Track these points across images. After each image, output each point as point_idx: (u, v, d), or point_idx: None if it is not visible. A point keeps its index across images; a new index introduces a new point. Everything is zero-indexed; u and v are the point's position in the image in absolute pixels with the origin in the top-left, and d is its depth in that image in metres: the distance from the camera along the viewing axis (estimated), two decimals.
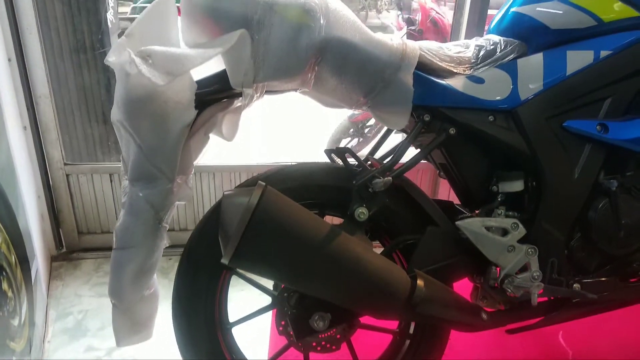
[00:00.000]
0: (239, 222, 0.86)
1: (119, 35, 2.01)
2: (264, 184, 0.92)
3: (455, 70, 1.04)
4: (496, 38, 1.10)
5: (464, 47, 1.09)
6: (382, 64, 0.97)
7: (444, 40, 3.53)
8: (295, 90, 1.09)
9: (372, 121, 3.84)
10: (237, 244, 0.86)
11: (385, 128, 1.23)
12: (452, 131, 1.03)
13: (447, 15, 3.48)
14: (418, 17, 3.36)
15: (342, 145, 3.89)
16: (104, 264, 1.93)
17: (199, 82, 0.97)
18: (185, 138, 1.00)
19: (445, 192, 2.20)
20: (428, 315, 0.96)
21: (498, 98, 1.04)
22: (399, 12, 3.55)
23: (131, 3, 6.34)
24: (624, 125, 1.04)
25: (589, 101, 1.06)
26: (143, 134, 0.95)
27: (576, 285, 1.09)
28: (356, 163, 1.07)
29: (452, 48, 1.08)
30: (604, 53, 1.05)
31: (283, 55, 0.94)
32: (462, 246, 1.07)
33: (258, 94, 1.03)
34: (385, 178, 0.94)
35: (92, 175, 1.91)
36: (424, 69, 1.01)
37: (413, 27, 3.37)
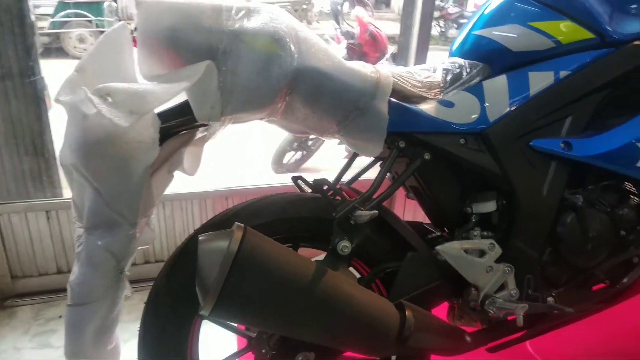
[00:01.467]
0: (219, 271, 0.79)
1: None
2: (242, 225, 0.86)
3: (426, 95, 1.03)
4: (461, 61, 1.11)
5: (431, 72, 1.09)
6: (357, 93, 0.95)
7: (382, 53, 3.59)
8: (262, 119, 1.03)
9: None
10: (219, 295, 0.79)
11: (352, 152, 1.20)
12: (427, 156, 1.02)
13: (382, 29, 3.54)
14: (356, 30, 3.40)
15: (286, 159, 3.85)
16: (44, 310, 1.75)
17: (159, 115, 0.90)
18: (148, 179, 0.92)
19: (400, 205, 2.22)
20: (418, 348, 0.94)
21: (468, 121, 1.05)
22: (337, 26, 3.58)
23: (49, 18, 5.95)
24: (586, 142, 1.08)
25: (552, 120, 1.09)
26: (102, 178, 0.86)
27: (550, 299, 1.11)
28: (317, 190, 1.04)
29: (420, 73, 1.07)
30: (563, 73, 1.08)
31: (253, 87, 0.89)
32: (441, 270, 1.06)
33: (224, 126, 0.97)
34: (370, 211, 0.91)
35: (26, 214, 1.73)
36: (397, 95, 0.99)
37: (352, 41, 3.40)
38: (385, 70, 0.99)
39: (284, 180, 2.04)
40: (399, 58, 1.97)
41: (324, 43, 0.97)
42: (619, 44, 1.09)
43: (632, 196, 1.15)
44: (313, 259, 0.94)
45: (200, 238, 0.85)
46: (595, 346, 1.30)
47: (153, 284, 1.02)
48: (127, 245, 0.93)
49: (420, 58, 1.87)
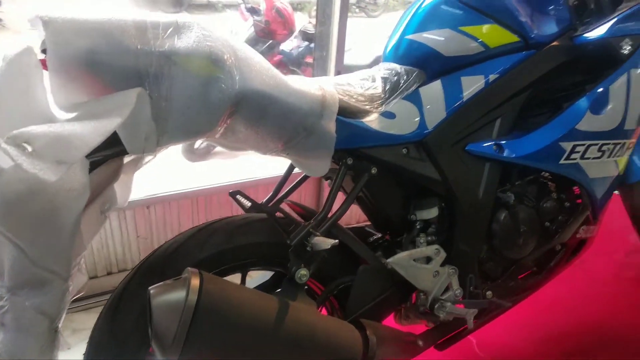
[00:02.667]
0: (180, 324, 0.74)
1: None
2: (196, 270, 0.79)
3: (369, 109, 1.01)
4: (397, 67, 1.10)
5: (371, 81, 1.07)
6: (304, 114, 0.90)
7: (290, 31, 3.51)
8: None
9: None
10: (182, 349, 0.73)
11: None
12: (373, 170, 1.01)
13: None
14: (262, 7, 3.27)
15: (197, 144, 3.68)
16: None
17: None
18: (79, 226, 0.81)
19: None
20: None
21: (409, 131, 1.05)
22: (241, 2, 3.42)
23: None
24: (515, 143, 1.13)
25: (484, 123, 1.13)
26: (25, 236, 0.74)
27: (489, 293, 1.19)
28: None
29: (361, 84, 1.05)
30: (492, 77, 1.12)
31: (191, 114, 0.81)
32: (391, 280, 1.07)
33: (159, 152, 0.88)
34: (330, 239, 0.88)
35: None
36: (342, 111, 0.96)
37: (259, 19, 3.27)
38: (330, 87, 0.96)
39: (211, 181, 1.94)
40: (319, 46, 1.92)
41: (266, 62, 0.91)
42: (540, 46, 1.15)
43: (552, 189, 1.24)
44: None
45: (152, 291, 0.78)
46: (522, 323, 1.41)
47: (91, 335, 0.93)
48: (61, 301, 0.82)
49: (341, 43, 1.84)
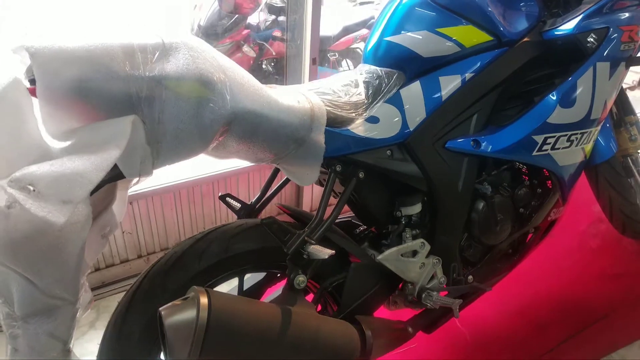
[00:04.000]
0: (193, 343, 0.78)
1: None
2: (202, 289, 0.84)
3: (354, 115, 1.05)
4: (377, 70, 1.13)
5: (354, 86, 1.10)
6: (294, 128, 0.93)
7: (256, 4, 3.44)
8: None
9: None
10: None
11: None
12: (361, 175, 1.06)
13: None
14: None
15: None
16: None
17: None
18: (84, 252, 0.83)
19: (308, 195, 2.27)
20: (379, 355, 1.03)
21: (393, 133, 1.09)
22: None
23: None
24: (491, 138, 1.19)
25: (462, 120, 1.18)
26: (35, 270, 0.76)
27: (470, 277, 1.27)
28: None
29: (345, 90, 1.08)
30: (468, 76, 1.16)
31: (184, 136, 0.83)
32: (380, 274, 1.14)
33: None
34: (326, 250, 0.93)
35: None
36: (329, 122, 1.00)
37: None
38: (316, 98, 0.98)
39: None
40: (292, 35, 1.91)
41: (254, 79, 0.93)
42: (512, 43, 1.20)
43: (525, 177, 1.31)
44: None
45: (163, 312, 0.82)
46: (496, 296, 1.51)
47: (100, 349, 0.96)
48: (71, 323, 0.85)
49: (315, 30, 1.83)
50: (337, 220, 1.20)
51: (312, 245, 0.94)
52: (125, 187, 1.01)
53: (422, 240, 1.15)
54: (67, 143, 0.79)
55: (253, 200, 1.27)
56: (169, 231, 1.95)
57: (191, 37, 0.87)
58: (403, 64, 1.15)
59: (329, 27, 4.02)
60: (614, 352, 1.53)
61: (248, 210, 1.25)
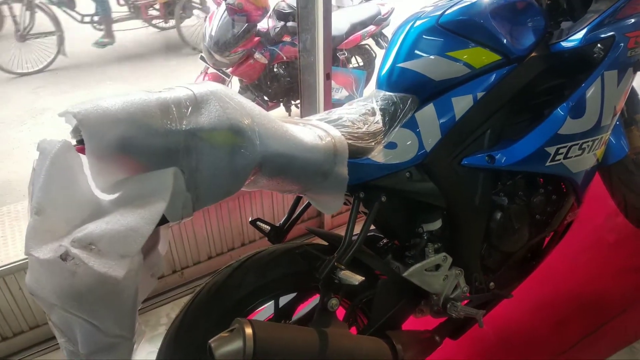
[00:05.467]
0: None
1: None
2: (247, 320, 0.92)
3: (373, 144, 1.11)
4: (392, 96, 1.19)
5: (371, 114, 1.16)
6: (319, 165, 1.00)
7: (264, 10, 3.49)
8: None
9: None
10: None
11: None
12: (383, 198, 1.13)
13: None
14: None
15: None
16: None
17: None
18: (138, 294, 0.92)
19: None
20: None
21: (411, 156, 1.16)
22: None
23: None
24: (505, 152, 1.24)
25: (476, 137, 1.23)
26: (97, 316, 0.85)
27: (491, 284, 1.34)
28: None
29: (363, 119, 1.14)
30: (480, 94, 1.21)
31: (221, 181, 0.91)
32: (407, 287, 1.21)
33: None
34: (356, 276, 1.00)
35: None
36: (351, 154, 1.06)
37: (231, 2, 3.26)
38: (337, 133, 1.05)
39: None
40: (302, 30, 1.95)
41: (280, 122, 0.99)
42: (521, 59, 1.24)
43: (539, 185, 1.37)
44: None
45: (213, 344, 0.90)
46: (516, 294, 1.57)
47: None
48: (129, 356, 0.94)
49: (327, 47, 1.88)
50: (369, 234, 1.27)
51: (343, 271, 1.01)
52: (167, 226, 1.09)
53: (444, 254, 1.22)
54: (116, 195, 0.88)
55: (281, 222, 1.34)
56: (200, 246, 2.04)
57: (218, 87, 0.94)
58: (416, 88, 1.20)
59: (337, 25, 4.05)
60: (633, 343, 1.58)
61: (277, 233, 1.33)
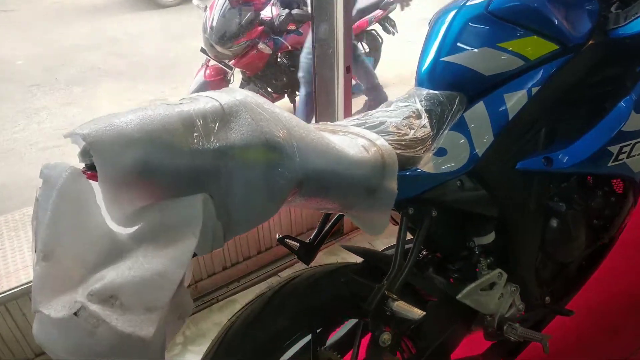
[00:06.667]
0: None
1: None
2: None
3: (422, 152, 0.98)
4: (438, 95, 1.06)
5: (416, 117, 1.02)
6: (366, 181, 0.87)
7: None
8: None
9: None
10: None
11: None
12: (434, 214, 1.00)
13: None
14: None
15: None
16: None
17: None
18: (165, 342, 0.79)
19: None
20: None
21: (462, 163, 1.02)
22: None
23: None
24: (563, 154, 1.11)
25: (530, 137, 1.10)
26: None
27: (547, 299, 1.21)
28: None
29: (408, 123, 1.00)
30: (534, 89, 1.08)
31: (254, 204, 0.78)
32: (458, 309, 1.09)
33: None
34: (416, 310, 0.87)
35: None
36: (399, 166, 0.93)
37: None
38: (384, 143, 0.91)
39: None
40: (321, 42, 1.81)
41: (319, 133, 0.86)
42: (578, 48, 1.10)
43: (596, 186, 1.24)
44: None
45: None
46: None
47: None
48: None
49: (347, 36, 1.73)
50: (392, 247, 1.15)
51: (396, 302, 0.89)
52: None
53: (499, 270, 1.09)
54: (135, 228, 0.74)
55: (311, 238, 1.21)
56: (213, 256, 1.92)
57: (246, 95, 0.80)
58: (463, 85, 1.07)
59: None
60: None
61: (307, 250, 1.20)
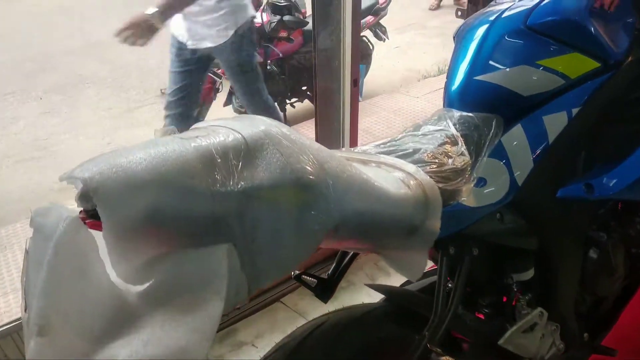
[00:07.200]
0: None
1: None
2: None
3: (463, 183, 0.87)
4: (473, 118, 0.96)
5: (452, 143, 0.92)
6: (408, 220, 0.77)
7: (257, 3, 3.22)
8: None
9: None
10: None
11: None
12: (475, 252, 0.90)
13: None
14: None
15: None
16: None
17: None
18: None
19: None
20: None
21: (502, 194, 0.93)
22: None
23: None
24: (605, 179, 1.02)
25: (570, 162, 1.02)
26: None
27: (585, 335, 1.12)
28: None
29: (444, 151, 0.90)
30: (574, 110, 0.99)
31: (284, 251, 0.67)
32: (497, 354, 0.99)
33: None
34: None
35: None
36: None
37: None
38: (426, 177, 0.81)
39: None
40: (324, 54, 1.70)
41: (355, 166, 0.75)
42: (617, 65, 1.02)
43: (634, 211, 1.16)
44: None
45: None
46: None
47: None
48: None
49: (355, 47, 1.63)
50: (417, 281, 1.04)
51: (442, 358, 0.78)
52: None
53: (540, 309, 1.00)
54: (146, 286, 0.63)
55: (329, 273, 1.10)
56: None
57: (270, 125, 0.69)
58: (499, 106, 0.97)
59: None
60: None
61: (325, 287, 1.09)
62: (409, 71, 4.79)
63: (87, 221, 0.59)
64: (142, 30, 1.94)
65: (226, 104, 3.73)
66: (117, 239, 0.57)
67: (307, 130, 3.48)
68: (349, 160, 0.80)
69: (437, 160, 0.88)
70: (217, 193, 0.60)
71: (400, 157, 0.88)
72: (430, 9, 6.93)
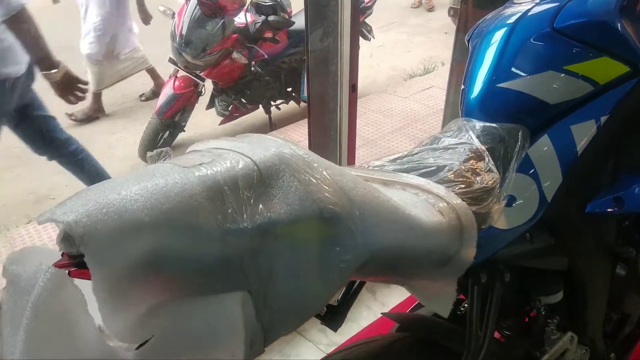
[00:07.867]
0: None
1: None
2: None
3: (494, 203, 0.79)
4: (498, 129, 0.88)
5: (477, 158, 0.84)
6: (442, 252, 0.68)
7: (240, 4, 3.11)
8: None
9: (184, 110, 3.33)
10: None
11: None
12: (507, 278, 0.82)
13: None
14: None
15: (159, 147, 3.31)
16: None
17: None
18: None
19: None
20: None
21: (531, 213, 0.85)
22: None
23: None
24: (633, 190, 0.95)
25: (598, 174, 0.94)
26: None
27: (612, 355, 1.06)
28: None
29: (471, 168, 0.81)
30: (603, 118, 0.91)
31: (305, 294, 0.58)
32: None
33: None
34: None
35: None
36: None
37: None
38: (459, 201, 0.72)
39: None
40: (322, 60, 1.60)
41: (382, 194, 0.66)
42: None
43: None
44: None
45: None
46: None
47: None
48: None
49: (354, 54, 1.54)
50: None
51: None
52: None
53: (571, 334, 0.93)
54: (145, 344, 0.53)
55: (339, 299, 1.01)
56: None
57: (285, 148, 0.59)
58: (524, 116, 0.89)
59: None
60: None
61: (334, 314, 1.00)
62: (394, 70, 4.73)
63: (71, 270, 0.49)
64: None
65: (209, 107, 3.62)
66: (109, 292, 0.47)
67: (295, 134, 3.38)
68: (367, 180, 0.71)
69: (464, 179, 0.79)
70: (227, 231, 0.50)
71: (422, 175, 0.80)
72: (412, 7, 6.93)
